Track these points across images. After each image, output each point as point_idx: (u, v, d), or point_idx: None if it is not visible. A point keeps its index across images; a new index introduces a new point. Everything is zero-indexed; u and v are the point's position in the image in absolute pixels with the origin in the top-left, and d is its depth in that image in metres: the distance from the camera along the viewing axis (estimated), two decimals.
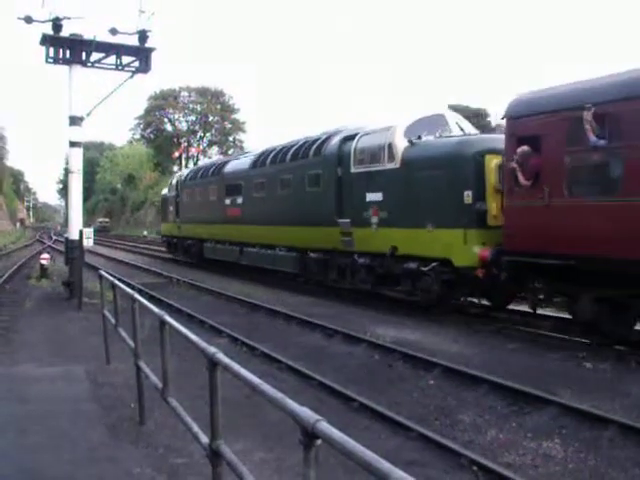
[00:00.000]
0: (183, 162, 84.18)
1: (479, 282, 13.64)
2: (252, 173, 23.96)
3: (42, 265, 23.48)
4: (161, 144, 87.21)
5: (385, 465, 1.96)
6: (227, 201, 26.27)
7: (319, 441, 2.36)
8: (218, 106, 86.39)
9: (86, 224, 19.60)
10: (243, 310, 16.67)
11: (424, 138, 15.59)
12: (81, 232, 16.96)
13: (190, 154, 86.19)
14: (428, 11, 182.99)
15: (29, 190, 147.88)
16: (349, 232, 17.34)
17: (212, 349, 3.76)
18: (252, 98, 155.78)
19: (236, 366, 3.41)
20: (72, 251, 17.13)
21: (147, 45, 17.03)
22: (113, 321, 8.82)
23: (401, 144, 15.55)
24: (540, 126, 11.84)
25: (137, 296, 6.80)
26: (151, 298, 15.78)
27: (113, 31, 16.54)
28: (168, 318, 5.25)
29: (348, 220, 17.33)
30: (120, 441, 6.34)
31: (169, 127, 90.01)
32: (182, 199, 32.86)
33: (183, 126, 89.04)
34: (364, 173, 16.75)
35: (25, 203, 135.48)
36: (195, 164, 77.29)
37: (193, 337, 4.31)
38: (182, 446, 6.04)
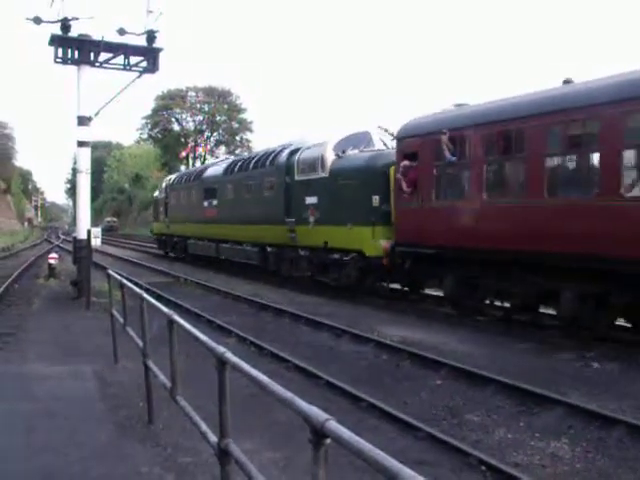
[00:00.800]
0: (190, 162, 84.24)
1: (385, 268, 16.79)
2: (224, 179, 27.88)
3: (50, 265, 23.56)
4: (168, 144, 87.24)
5: (395, 464, 1.97)
6: (205, 203, 29.96)
7: (328, 440, 2.36)
8: (225, 106, 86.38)
9: (94, 224, 19.67)
10: (251, 310, 16.70)
11: (348, 152, 18.96)
12: (89, 232, 17.01)
13: (197, 154, 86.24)
14: (436, 8, 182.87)
15: (37, 190, 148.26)
16: (293, 229, 20.87)
17: (221, 348, 3.77)
18: (259, 98, 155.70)
19: (245, 365, 3.42)
20: (80, 250, 17.19)
21: (155, 45, 17.07)
22: (121, 320, 8.84)
23: (330, 157, 19.13)
24: (417, 146, 15.48)
25: (146, 295, 6.82)
26: (159, 297, 15.81)
27: (121, 31, 16.58)
28: (177, 317, 5.26)
29: (293, 219, 20.85)
30: (128, 440, 6.36)
31: (176, 127, 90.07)
32: (170, 201, 36.59)
33: (190, 126, 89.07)
34: (304, 180, 20.37)
35: (33, 203, 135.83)
36: (202, 164, 77.57)
37: (202, 337, 4.32)
38: (190, 445, 6.06)
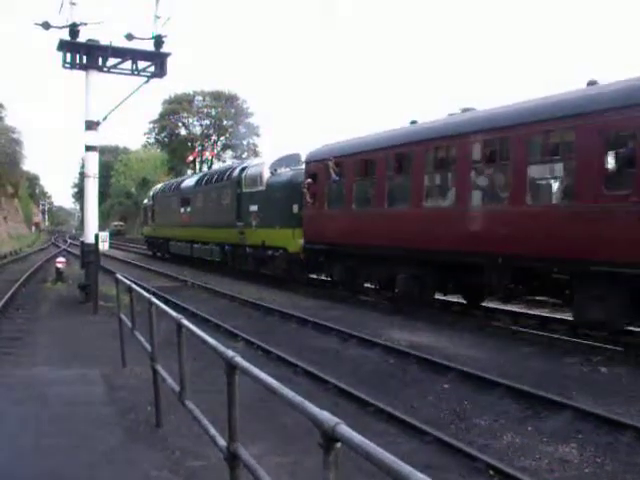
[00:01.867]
0: (197, 166, 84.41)
1: (303, 262, 21.42)
2: (196, 190, 33.26)
3: (58, 269, 23.66)
4: (175, 148, 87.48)
5: (405, 468, 1.98)
6: (182, 210, 35.15)
7: (339, 444, 2.37)
8: (232, 110, 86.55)
9: (101, 228, 19.73)
10: (258, 314, 16.72)
11: (279, 170, 24.15)
12: (97, 236, 17.06)
13: (204, 158, 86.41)
14: (447, 11, 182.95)
15: (44, 194, 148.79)
16: (242, 231, 25.82)
17: (230, 353, 3.79)
18: (266, 102, 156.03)
19: (255, 369, 3.43)
20: (88, 255, 17.25)
21: (162, 50, 17.13)
22: (129, 324, 8.87)
23: (266, 174, 24.31)
24: (316, 168, 20.22)
25: (154, 300, 6.84)
26: (166, 301, 15.85)
27: (129, 36, 16.67)
28: (185, 322, 5.28)
29: (242, 223, 25.88)
30: (137, 444, 6.37)
31: (183, 131, 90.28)
32: (156, 208, 42.12)
33: (197, 130, 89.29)
34: (249, 192, 25.56)
35: (40, 207, 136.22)
36: (209, 168, 77.82)
37: (211, 341, 4.34)
38: (199, 449, 6.06)
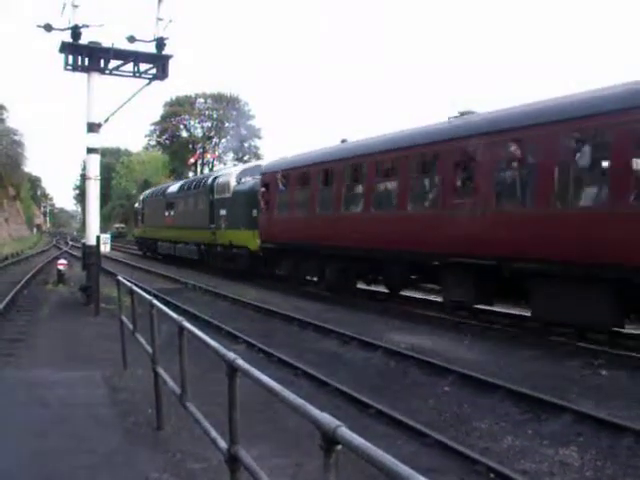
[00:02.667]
0: (198, 168, 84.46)
1: (262, 259, 24.87)
2: (178, 195, 37.03)
3: (59, 271, 23.68)
4: (177, 150, 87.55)
5: (406, 471, 1.98)
6: (166, 213, 38.95)
7: (339, 446, 2.38)
8: (234, 112, 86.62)
9: (102, 230, 19.74)
10: (259, 316, 16.73)
11: (243, 179, 27.83)
12: (98, 238, 17.08)
13: (205, 160, 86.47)
14: (445, 14, 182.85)
15: (46, 196, 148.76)
16: (214, 232, 29.50)
17: (232, 355, 3.80)
18: (268, 104, 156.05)
19: (256, 372, 3.44)
20: (89, 257, 17.27)
21: (164, 52, 17.16)
22: (130, 326, 8.87)
23: (233, 183, 28.18)
24: (268, 179, 23.80)
25: (155, 302, 6.85)
26: (167, 304, 15.84)
27: (131, 39, 16.69)
28: (187, 324, 5.29)
29: (214, 225, 29.61)
30: (138, 446, 6.37)
31: (185, 133, 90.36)
32: (145, 211, 45.94)
33: (199, 132, 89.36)
34: (219, 198, 29.36)
35: (42, 209, 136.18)
36: (210, 170, 77.94)
37: (213, 343, 4.35)
38: (199, 451, 6.07)
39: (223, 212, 28.42)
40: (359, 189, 18.92)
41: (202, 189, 31.97)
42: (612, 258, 11.06)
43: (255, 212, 24.77)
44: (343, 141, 20.89)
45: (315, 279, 22.19)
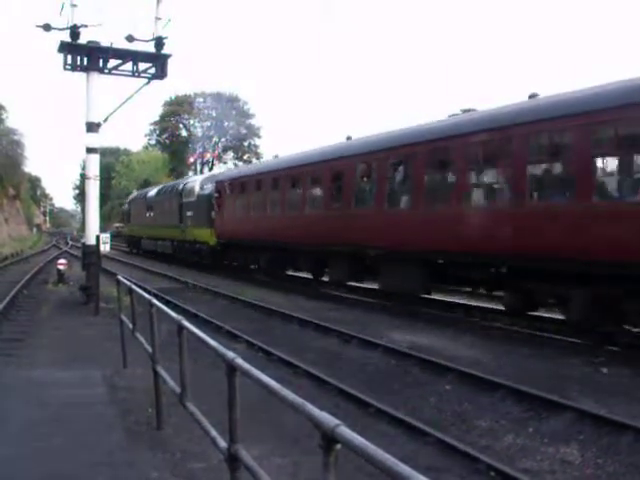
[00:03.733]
0: (198, 167, 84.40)
1: (220, 252, 30.05)
2: (156, 198, 42.44)
3: (59, 270, 23.67)
4: (176, 149, 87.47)
5: (406, 470, 1.97)
6: (147, 214, 44.39)
7: (339, 446, 2.37)
8: (233, 111, 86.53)
9: (102, 229, 19.73)
10: (259, 315, 16.72)
11: (205, 186, 32.67)
12: (98, 237, 17.07)
13: (205, 159, 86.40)
14: (451, 13, 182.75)
15: (46, 196, 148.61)
16: (183, 230, 34.60)
17: (231, 354, 3.78)
18: (268, 103, 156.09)
19: (255, 371, 3.43)
20: (89, 256, 17.25)
21: (163, 51, 17.14)
22: (130, 326, 8.87)
23: (197, 188, 33.33)
24: (220, 187, 29.39)
25: (155, 301, 6.84)
26: (167, 303, 15.84)
27: (130, 38, 16.67)
28: (186, 323, 5.28)
29: (183, 224, 34.58)
30: (138, 445, 6.37)
31: (184, 132, 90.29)
32: (131, 211, 51.23)
33: (198, 131, 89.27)
34: (187, 201, 34.48)
35: (42, 208, 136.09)
36: (210, 169, 78.03)
37: (212, 342, 4.34)
38: (199, 451, 6.07)
39: (189, 213, 33.65)
40: (277, 196, 24.07)
41: (174, 193, 37.25)
42: (419, 246, 15.75)
43: (213, 213, 29.91)
44: (275, 157, 28.17)
45: (255, 266, 27.85)
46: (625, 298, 11.22)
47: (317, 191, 21.59)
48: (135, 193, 55.45)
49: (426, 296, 17.57)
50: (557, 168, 13.24)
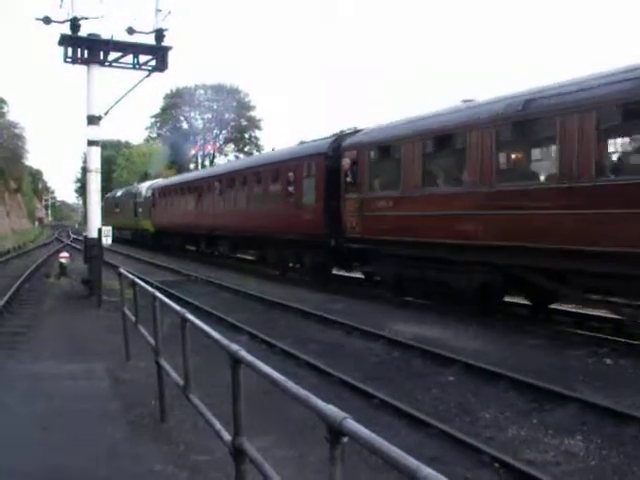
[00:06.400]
0: (199, 160, 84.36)
1: (155, 237, 43.51)
2: (121, 198, 55.00)
3: (61, 264, 23.66)
4: (177, 142, 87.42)
5: (412, 462, 1.96)
6: (116, 210, 55.39)
7: (345, 438, 2.35)
8: (234, 103, 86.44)
9: (104, 222, 19.69)
10: (261, 307, 16.71)
11: (149, 191, 44.00)
12: (100, 230, 17.06)
13: (206, 152, 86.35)
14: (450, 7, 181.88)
15: (47, 189, 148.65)
16: (137, 222, 46.69)
17: (235, 347, 3.77)
18: (269, 94, 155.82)
19: (259, 363, 3.41)
20: (91, 249, 17.24)
21: (164, 44, 17.06)
22: (133, 319, 8.86)
23: (144, 192, 45.56)
24: (154, 192, 43.14)
25: (158, 294, 6.83)
26: (169, 295, 15.81)
27: (130, 30, 16.58)
28: (190, 316, 5.26)
29: (137, 217, 46.68)
30: (141, 438, 6.37)
31: (185, 125, 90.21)
32: (106, 207, 56.37)
33: (199, 124, 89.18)
34: (139, 201, 46.49)
35: (43, 202, 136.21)
36: (211, 162, 78.04)
37: (216, 335, 4.32)
38: (203, 443, 6.05)
39: (140, 210, 46.60)
40: (183, 199, 36.54)
41: (131, 195, 50.71)
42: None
43: (153, 210, 42.79)
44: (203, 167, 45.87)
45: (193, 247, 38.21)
46: None
47: (200, 197, 33.37)
48: (108, 194, 64.39)
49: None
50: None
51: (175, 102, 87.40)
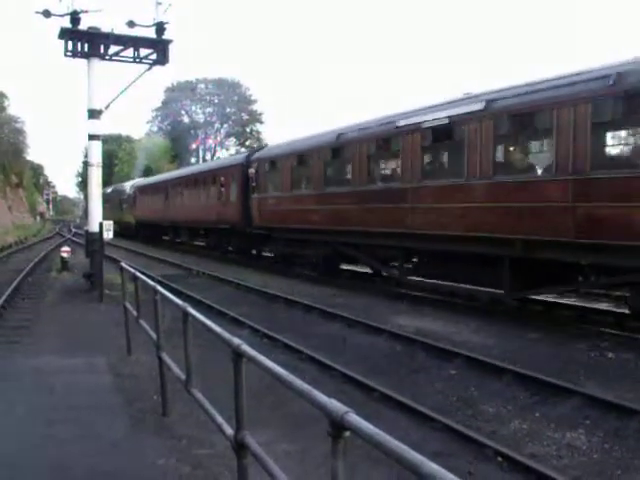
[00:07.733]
0: (200, 154, 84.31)
1: (136, 228, 50.11)
2: (110, 194, 55.38)
3: (63, 258, 23.66)
4: (178, 136, 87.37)
5: (416, 456, 1.94)
6: (105, 205, 59.32)
7: (348, 433, 2.34)
8: (235, 97, 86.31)
9: (105, 217, 19.67)
10: (263, 301, 16.71)
11: (132, 189, 51.67)
12: (101, 225, 17.04)
13: (208, 145, 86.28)
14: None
15: (48, 183, 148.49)
16: (121, 216, 49.90)
17: (237, 340, 3.74)
18: (270, 88, 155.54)
19: (261, 357, 3.39)
20: (92, 243, 17.23)
21: (164, 37, 17.00)
22: (134, 313, 8.85)
23: (128, 190, 52.87)
24: (135, 190, 50.87)
25: (159, 288, 6.81)
26: (171, 290, 15.81)
27: (130, 24, 16.52)
28: (191, 310, 5.24)
29: (122, 211, 52.24)
30: (144, 432, 6.36)
31: (186, 119, 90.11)
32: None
33: (200, 118, 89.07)
34: (123, 197, 53.51)
35: (45, 196, 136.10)
36: (212, 155, 78.11)
37: (217, 329, 4.30)
38: (205, 437, 6.05)
39: (125, 205, 52.46)
40: (157, 197, 42.09)
41: (117, 192, 56.12)
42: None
43: (134, 206, 48.83)
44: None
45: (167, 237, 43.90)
46: None
47: (167, 195, 39.73)
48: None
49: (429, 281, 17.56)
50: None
51: (176, 96, 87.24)
